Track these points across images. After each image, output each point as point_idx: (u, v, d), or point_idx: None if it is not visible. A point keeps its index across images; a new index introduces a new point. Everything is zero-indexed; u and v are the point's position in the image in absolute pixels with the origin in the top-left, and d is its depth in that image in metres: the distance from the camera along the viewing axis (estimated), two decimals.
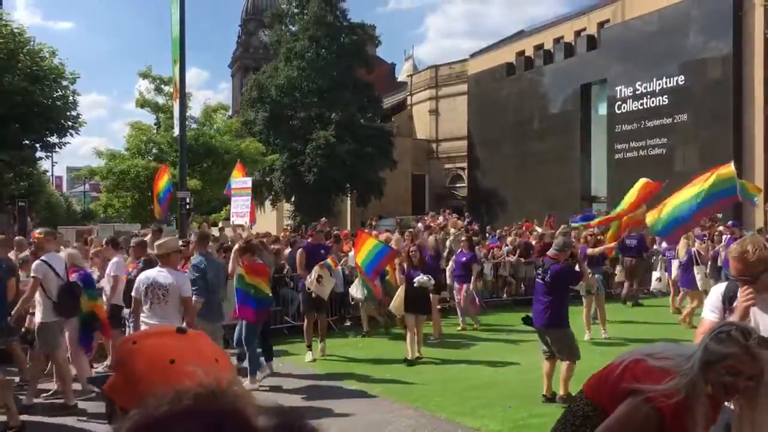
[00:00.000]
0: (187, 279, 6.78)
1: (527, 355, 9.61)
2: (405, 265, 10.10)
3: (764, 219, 22.16)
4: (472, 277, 12.26)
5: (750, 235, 4.31)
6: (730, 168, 9.30)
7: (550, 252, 7.43)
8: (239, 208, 12.42)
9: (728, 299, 3.53)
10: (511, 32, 42.10)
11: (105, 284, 9.17)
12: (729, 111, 25.37)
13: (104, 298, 9.05)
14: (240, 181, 12.92)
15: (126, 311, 8.13)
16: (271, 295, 8.90)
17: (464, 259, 12.31)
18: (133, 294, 6.73)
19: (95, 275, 9.86)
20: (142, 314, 6.53)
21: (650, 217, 10.04)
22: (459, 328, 12.21)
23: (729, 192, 9.41)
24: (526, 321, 7.32)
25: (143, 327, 6.39)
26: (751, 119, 25.18)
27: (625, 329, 11.70)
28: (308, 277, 9.85)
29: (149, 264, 7.52)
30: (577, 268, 8.22)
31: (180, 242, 8.44)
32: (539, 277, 7.34)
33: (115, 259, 9.07)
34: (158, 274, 6.51)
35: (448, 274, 12.85)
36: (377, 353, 10.28)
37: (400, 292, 9.95)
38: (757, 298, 3.35)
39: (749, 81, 25.16)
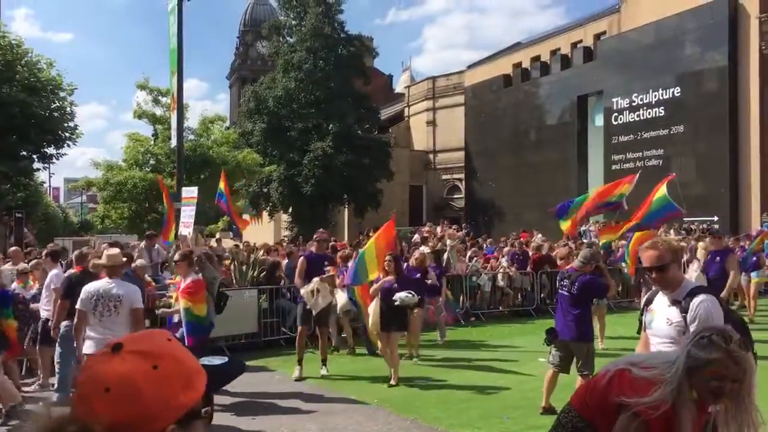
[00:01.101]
0: (137, 290, 6.59)
1: (525, 366, 9.59)
2: (380, 276, 9.39)
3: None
4: (442, 290, 11.78)
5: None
6: (663, 187, 9.56)
7: (576, 264, 7.35)
8: (186, 218, 12.19)
9: (647, 303, 3.81)
10: (510, 44, 42.30)
11: (42, 297, 8.95)
12: (725, 122, 25.47)
13: (42, 312, 8.85)
14: (188, 190, 12.72)
15: (65, 323, 7.68)
16: (207, 316, 8.16)
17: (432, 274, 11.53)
18: (78, 306, 6.38)
19: (35, 288, 9.67)
20: (87, 327, 6.26)
21: (604, 238, 10.30)
22: (440, 342, 11.77)
23: (670, 208, 9.60)
24: (550, 333, 7.19)
25: (88, 341, 6.22)
26: (746, 130, 25.28)
27: (623, 342, 11.65)
28: (305, 287, 9.49)
29: (89, 276, 7.20)
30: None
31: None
32: (565, 288, 7.21)
33: (54, 272, 8.86)
34: (108, 285, 6.32)
35: None
36: (374, 364, 10.23)
37: (375, 308, 9.02)
38: (662, 293, 3.69)
39: (745, 92, 25.29)
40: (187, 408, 1.15)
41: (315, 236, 10.44)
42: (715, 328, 2.52)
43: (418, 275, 10.53)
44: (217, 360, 1.34)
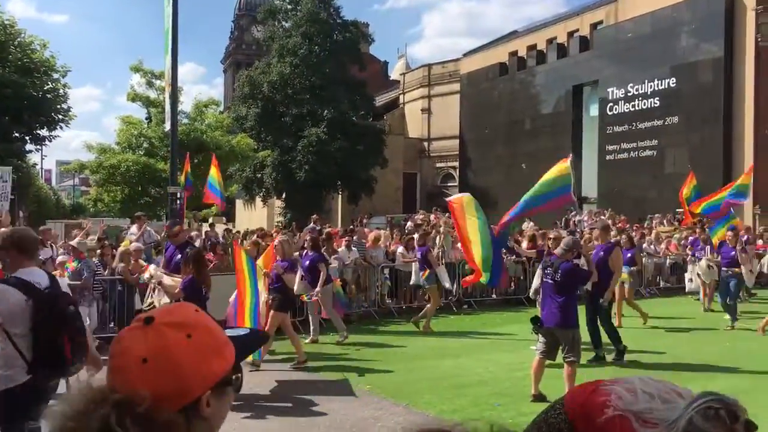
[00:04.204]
0: None
1: (517, 353, 9.64)
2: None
3: (752, 221, 22.33)
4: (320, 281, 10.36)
5: None
6: (565, 165, 9.29)
7: (558, 251, 7.40)
8: None
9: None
10: (507, 32, 42.19)
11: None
12: (719, 114, 25.51)
13: None
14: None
15: None
16: None
17: (308, 262, 10.56)
18: None
19: None
20: None
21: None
22: (306, 341, 10.53)
23: (564, 190, 9.37)
24: (535, 321, 7.24)
25: None
26: (741, 122, 25.33)
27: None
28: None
29: None
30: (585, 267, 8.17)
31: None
32: (549, 276, 7.26)
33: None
34: None
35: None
36: (366, 351, 10.28)
37: None
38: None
39: (740, 84, 25.31)
40: (219, 376, 1.19)
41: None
42: (724, 401, 2.47)
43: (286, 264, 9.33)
44: (241, 331, 1.39)
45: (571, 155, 10.20)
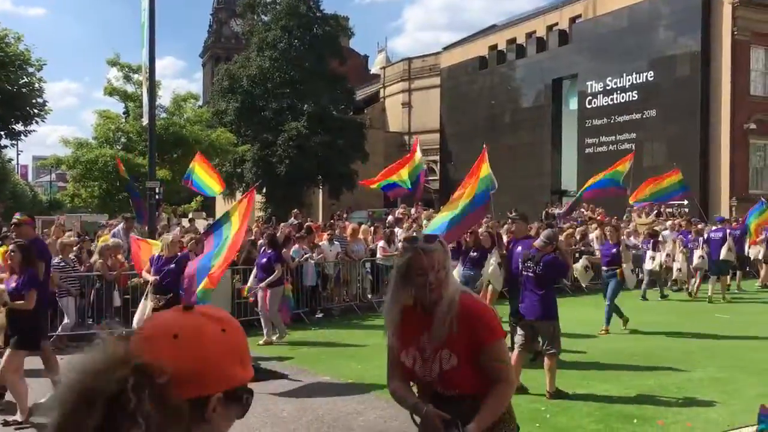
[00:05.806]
0: None
1: None
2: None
3: (729, 213, 22.59)
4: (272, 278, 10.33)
5: None
6: (484, 167, 9.24)
7: (538, 243, 7.41)
8: None
9: None
10: (486, 26, 42.28)
11: None
12: (696, 107, 25.76)
13: None
14: None
15: None
16: None
17: (264, 260, 10.51)
18: None
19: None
20: None
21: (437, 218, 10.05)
22: (260, 342, 10.17)
23: (483, 198, 9.29)
24: (515, 314, 7.29)
25: None
26: (717, 116, 25.60)
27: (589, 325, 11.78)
28: None
29: None
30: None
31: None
32: (530, 270, 7.26)
33: None
34: None
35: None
36: (349, 346, 10.27)
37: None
38: None
39: (717, 78, 25.57)
40: (237, 383, 1.17)
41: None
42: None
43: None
44: None
45: (485, 145, 9.93)
